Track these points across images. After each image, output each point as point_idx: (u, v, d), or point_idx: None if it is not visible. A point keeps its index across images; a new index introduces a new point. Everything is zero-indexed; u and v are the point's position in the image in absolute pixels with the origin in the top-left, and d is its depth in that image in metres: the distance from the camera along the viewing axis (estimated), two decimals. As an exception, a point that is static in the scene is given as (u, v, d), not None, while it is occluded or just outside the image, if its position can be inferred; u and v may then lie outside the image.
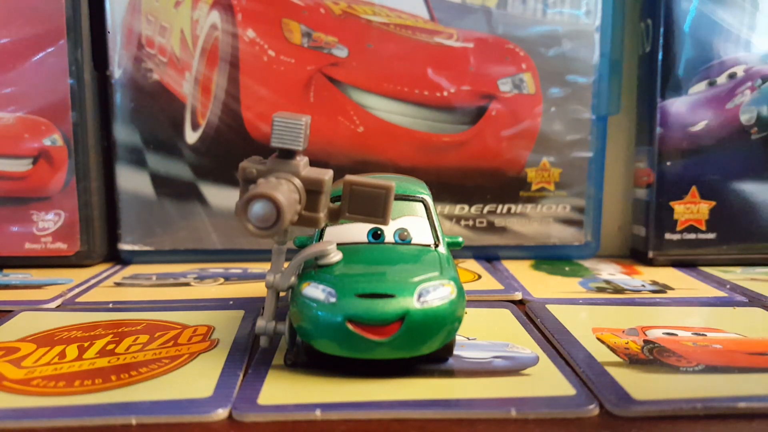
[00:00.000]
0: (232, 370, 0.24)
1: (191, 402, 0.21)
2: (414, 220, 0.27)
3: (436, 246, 0.27)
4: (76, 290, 0.37)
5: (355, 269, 0.24)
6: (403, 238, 0.27)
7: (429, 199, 0.28)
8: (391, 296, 0.22)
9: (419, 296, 0.22)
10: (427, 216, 0.28)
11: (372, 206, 0.24)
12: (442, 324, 0.23)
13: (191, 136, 0.43)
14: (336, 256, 0.25)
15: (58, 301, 0.34)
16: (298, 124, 0.23)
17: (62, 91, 0.41)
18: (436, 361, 0.25)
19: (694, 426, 0.21)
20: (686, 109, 0.43)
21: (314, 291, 0.23)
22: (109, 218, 0.44)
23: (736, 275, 0.41)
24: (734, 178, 0.44)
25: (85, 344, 0.27)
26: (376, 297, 0.22)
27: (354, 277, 0.23)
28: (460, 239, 0.29)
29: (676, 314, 0.33)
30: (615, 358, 0.26)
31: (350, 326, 0.22)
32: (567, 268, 0.43)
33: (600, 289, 0.37)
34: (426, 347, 0.23)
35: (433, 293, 0.23)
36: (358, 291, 0.22)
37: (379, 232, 0.27)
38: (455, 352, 0.26)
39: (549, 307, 0.33)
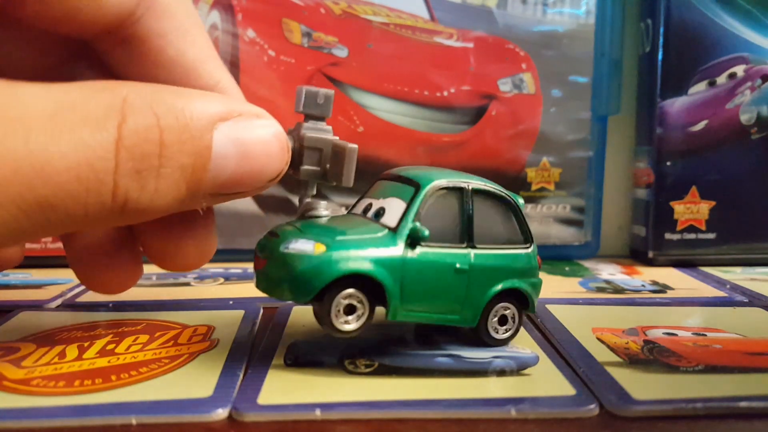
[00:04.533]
0: (232, 370, 0.24)
1: (191, 402, 0.21)
2: (395, 202, 0.26)
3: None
4: (76, 290, 0.37)
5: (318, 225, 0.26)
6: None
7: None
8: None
9: (288, 244, 0.24)
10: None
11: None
12: (289, 270, 0.24)
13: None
14: (324, 210, 0.26)
15: (58, 301, 0.34)
16: (322, 92, 0.25)
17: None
18: None
19: (694, 426, 0.21)
20: (686, 109, 0.43)
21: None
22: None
23: (736, 275, 0.41)
24: (734, 178, 0.44)
25: (85, 344, 0.27)
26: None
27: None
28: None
29: (676, 314, 0.33)
30: (615, 357, 0.26)
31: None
32: (567, 268, 0.43)
33: (600, 289, 0.37)
34: (280, 290, 0.24)
35: (295, 244, 0.24)
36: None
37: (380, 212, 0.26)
38: (455, 352, 0.26)
39: (549, 307, 0.33)
